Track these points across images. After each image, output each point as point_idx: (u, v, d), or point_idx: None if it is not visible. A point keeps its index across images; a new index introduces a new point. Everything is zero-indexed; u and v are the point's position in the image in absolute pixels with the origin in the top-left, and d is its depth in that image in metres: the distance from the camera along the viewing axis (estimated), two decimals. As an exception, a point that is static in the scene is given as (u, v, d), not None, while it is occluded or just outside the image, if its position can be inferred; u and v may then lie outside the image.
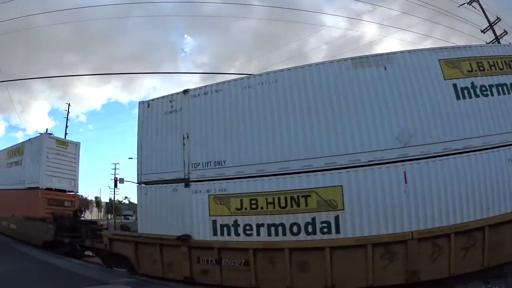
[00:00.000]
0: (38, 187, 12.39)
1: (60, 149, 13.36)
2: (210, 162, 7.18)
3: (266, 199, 6.48)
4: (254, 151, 6.86)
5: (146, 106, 8.21)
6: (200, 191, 7.10)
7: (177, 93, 7.90)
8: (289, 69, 7.18)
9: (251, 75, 8.03)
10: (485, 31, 18.30)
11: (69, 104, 32.08)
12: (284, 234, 6.29)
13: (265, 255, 6.38)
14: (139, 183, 8.02)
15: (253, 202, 6.58)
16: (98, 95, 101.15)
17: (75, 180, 13.96)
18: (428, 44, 45.58)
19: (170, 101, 7.86)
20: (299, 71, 6.95)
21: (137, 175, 8.07)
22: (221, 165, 7.06)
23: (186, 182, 7.26)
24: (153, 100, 8.31)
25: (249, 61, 74.95)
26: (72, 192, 14.04)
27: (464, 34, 24.45)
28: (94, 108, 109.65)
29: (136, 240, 7.71)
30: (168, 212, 7.39)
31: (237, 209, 6.68)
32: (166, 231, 7.24)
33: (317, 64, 7.01)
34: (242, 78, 7.85)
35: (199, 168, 7.25)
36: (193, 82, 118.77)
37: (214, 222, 6.81)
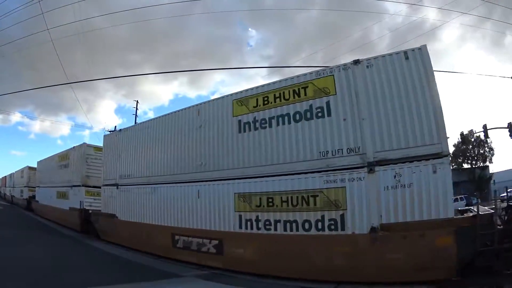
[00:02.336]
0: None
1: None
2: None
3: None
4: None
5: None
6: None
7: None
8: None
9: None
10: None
11: (137, 101, 32.05)
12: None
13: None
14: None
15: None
16: (165, 92, 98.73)
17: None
18: (488, 26, 45.02)
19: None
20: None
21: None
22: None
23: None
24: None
25: (315, 52, 73.78)
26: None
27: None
28: (162, 104, 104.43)
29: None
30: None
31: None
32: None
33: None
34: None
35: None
36: (260, 75, 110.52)
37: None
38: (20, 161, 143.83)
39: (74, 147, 16.49)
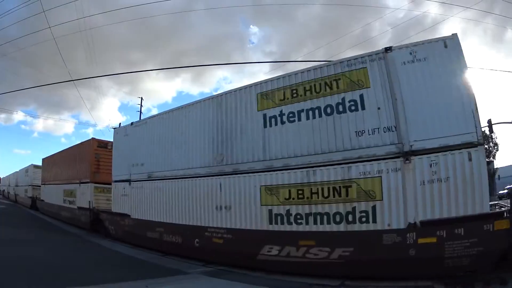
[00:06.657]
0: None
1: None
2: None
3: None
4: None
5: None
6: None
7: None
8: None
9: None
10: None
11: (141, 98, 32.11)
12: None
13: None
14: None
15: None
16: (168, 89, 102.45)
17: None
18: (490, 20, 46.73)
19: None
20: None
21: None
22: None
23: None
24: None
25: (317, 48, 75.23)
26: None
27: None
28: (165, 101, 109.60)
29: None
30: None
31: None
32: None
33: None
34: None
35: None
36: (263, 71, 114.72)
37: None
38: (24, 159, 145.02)
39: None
